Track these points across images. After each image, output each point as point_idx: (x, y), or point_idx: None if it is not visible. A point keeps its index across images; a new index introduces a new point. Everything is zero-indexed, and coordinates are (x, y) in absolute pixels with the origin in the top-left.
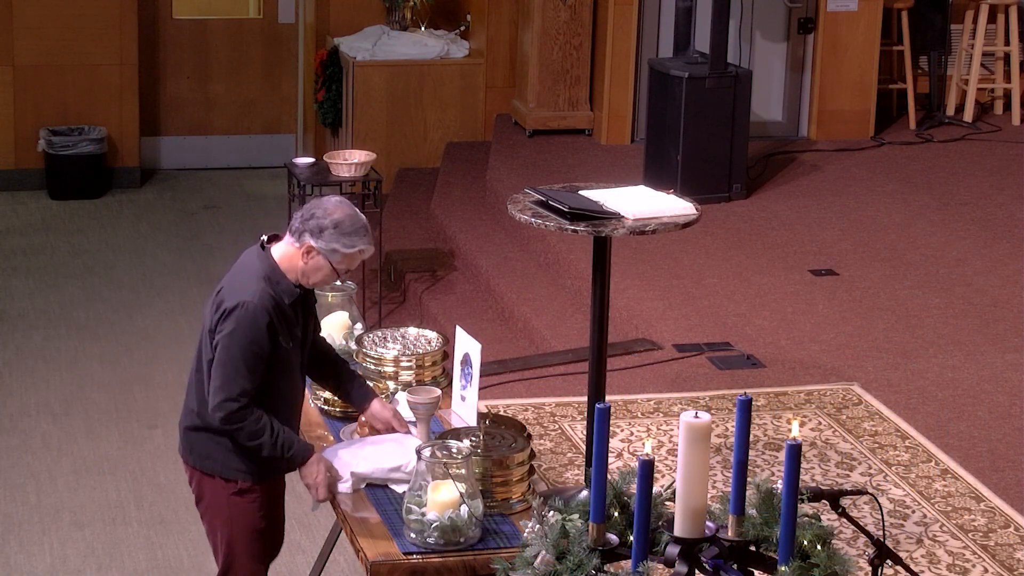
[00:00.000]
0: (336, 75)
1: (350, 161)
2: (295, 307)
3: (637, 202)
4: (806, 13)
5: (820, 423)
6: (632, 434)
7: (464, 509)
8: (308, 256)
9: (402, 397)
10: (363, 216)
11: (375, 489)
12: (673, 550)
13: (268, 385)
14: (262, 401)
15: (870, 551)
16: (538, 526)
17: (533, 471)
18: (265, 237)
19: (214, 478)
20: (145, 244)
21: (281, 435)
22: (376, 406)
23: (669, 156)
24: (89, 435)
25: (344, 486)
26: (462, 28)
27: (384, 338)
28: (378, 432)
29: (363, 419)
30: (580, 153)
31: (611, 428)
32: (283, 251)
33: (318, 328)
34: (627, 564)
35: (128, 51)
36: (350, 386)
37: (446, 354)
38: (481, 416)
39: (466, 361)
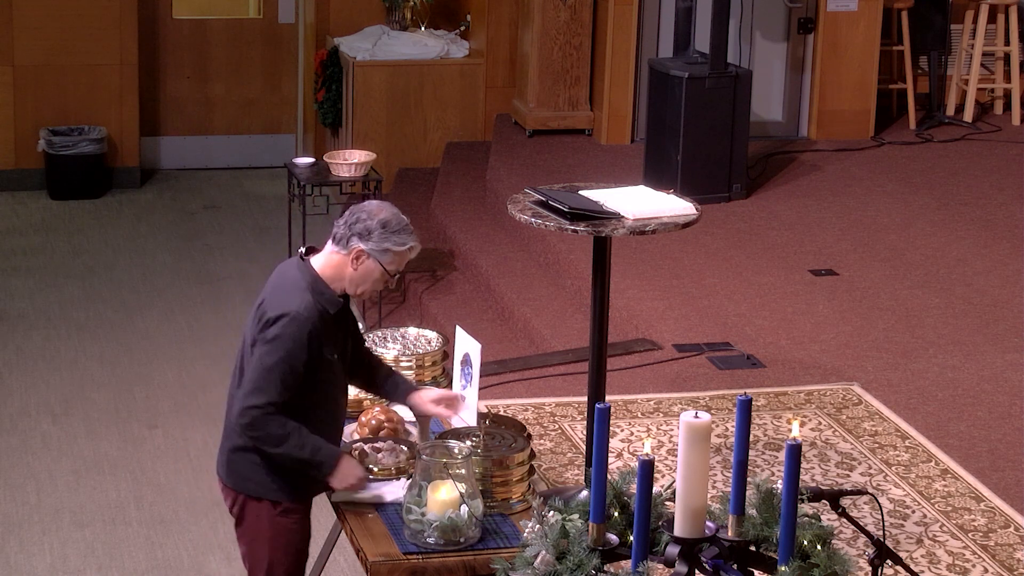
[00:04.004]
0: (336, 75)
1: (350, 161)
2: (339, 318)
3: (637, 202)
4: (806, 13)
5: (820, 423)
6: (632, 434)
7: (464, 509)
8: (357, 262)
9: None
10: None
11: None
12: (673, 550)
13: (312, 400)
14: (306, 417)
15: (870, 551)
16: (538, 526)
17: (533, 471)
18: (303, 249)
19: (260, 501)
20: (145, 244)
21: (309, 440)
22: (416, 399)
23: (669, 156)
24: (89, 435)
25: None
26: (462, 28)
27: (384, 338)
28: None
29: (361, 419)
30: (580, 153)
31: (611, 428)
32: (326, 261)
33: (362, 341)
34: (627, 564)
35: (128, 51)
36: (383, 381)
37: (446, 354)
38: (481, 416)
39: (466, 361)
